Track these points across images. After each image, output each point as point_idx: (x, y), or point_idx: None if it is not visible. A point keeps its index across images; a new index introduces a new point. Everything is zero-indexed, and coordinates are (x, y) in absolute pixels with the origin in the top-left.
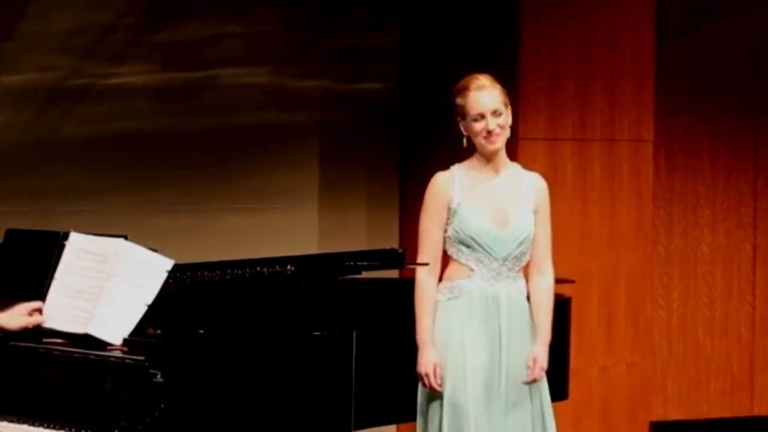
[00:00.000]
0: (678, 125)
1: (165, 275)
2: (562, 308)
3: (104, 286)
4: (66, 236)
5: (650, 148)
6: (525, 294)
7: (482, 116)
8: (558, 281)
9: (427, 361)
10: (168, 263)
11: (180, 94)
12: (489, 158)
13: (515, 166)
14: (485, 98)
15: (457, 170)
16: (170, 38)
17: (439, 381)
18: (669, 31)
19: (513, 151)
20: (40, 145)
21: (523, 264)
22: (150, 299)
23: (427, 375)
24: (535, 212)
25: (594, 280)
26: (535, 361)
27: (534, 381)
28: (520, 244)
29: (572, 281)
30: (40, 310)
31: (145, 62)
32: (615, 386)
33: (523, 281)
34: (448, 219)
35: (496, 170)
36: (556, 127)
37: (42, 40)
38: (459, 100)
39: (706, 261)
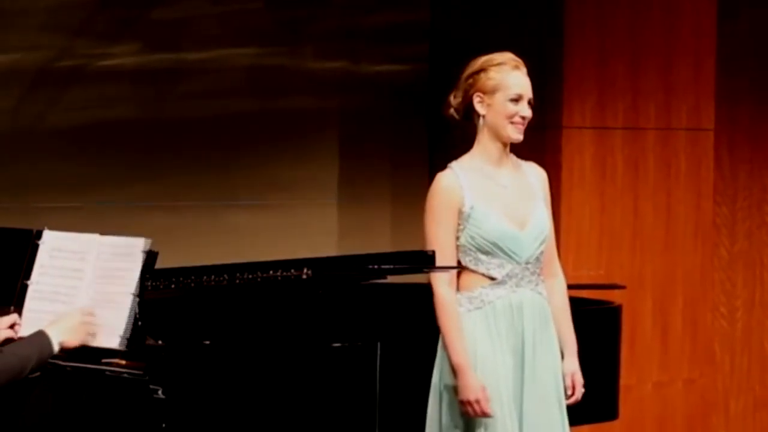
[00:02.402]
0: (742, 112)
1: (142, 257)
2: (612, 317)
3: (84, 286)
4: (39, 235)
5: (711, 137)
6: (546, 297)
7: (520, 98)
8: (608, 287)
9: (475, 386)
10: (142, 242)
11: (183, 77)
12: (499, 150)
13: (513, 157)
14: (526, 81)
15: (460, 168)
16: (172, 14)
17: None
18: (732, 6)
19: (557, 141)
20: (25, 134)
21: (542, 264)
22: (133, 288)
23: (477, 401)
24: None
25: (647, 286)
26: (573, 377)
27: (576, 401)
28: (541, 243)
29: (623, 287)
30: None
31: (143, 41)
32: (671, 405)
33: (543, 283)
34: (459, 225)
35: (502, 164)
36: (605, 115)
37: (26, 16)
38: (493, 74)
39: None
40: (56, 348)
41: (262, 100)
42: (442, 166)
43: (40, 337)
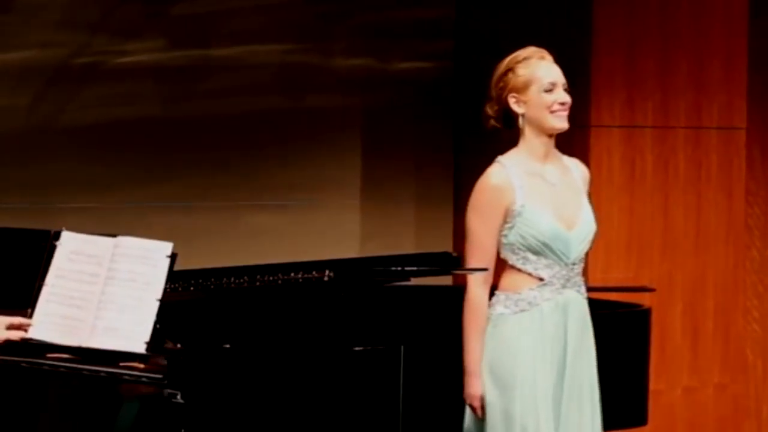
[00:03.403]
0: None
1: (167, 262)
2: (641, 321)
3: (103, 291)
4: (57, 236)
5: (743, 136)
6: (586, 296)
7: (554, 86)
8: (637, 290)
9: (476, 394)
10: (167, 247)
11: (202, 75)
12: (544, 145)
13: (557, 152)
14: (555, 68)
15: (510, 163)
16: (191, 10)
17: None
18: (764, 2)
19: (585, 140)
20: (40, 133)
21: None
22: (159, 293)
23: (474, 409)
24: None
25: (677, 289)
26: None
27: None
28: (588, 243)
29: (653, 290)
30: (18, 326)
31: (161, 38)
32: (701, 411)
33: (584, 284)
34: (506, 222)
35: (547, 160)
36: (634, 113)
37: (43, 12)
38: (521, 70)
39: None
40: None
41: (283, 99)
42: (469, 167)
43: None
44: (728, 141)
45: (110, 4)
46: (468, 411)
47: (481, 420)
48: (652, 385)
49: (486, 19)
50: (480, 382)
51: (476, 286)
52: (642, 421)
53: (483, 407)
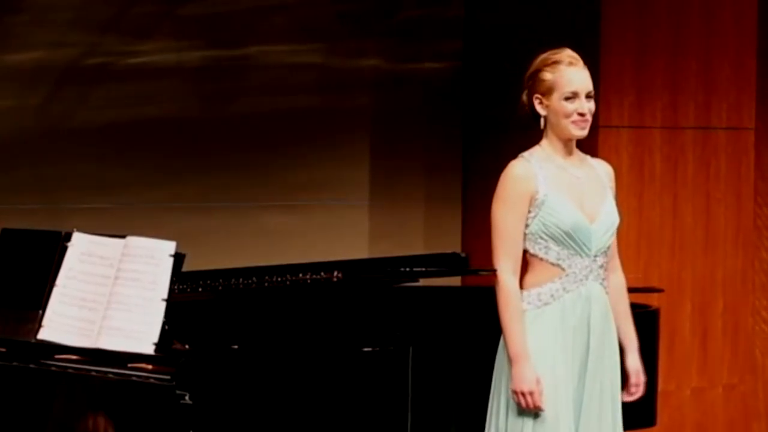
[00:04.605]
0: None
1: (170, 261)
2: (650, 321)
3: (111, 292)
4: (68, 237)
5: (752, 136)
6: (608, 292)
7: (576, 95)
8: (646, 290)
9: (530, 377)
10: (170, 246)
11: (212, 75)
12: (565, 144)
13: (579, 152)
14: (581, 76)
15: (532, 158)
16: (202, 10)
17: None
18: None
19: (593, 140)
20: (52, 133)
21: (608, 258)
22: (164, 293)
23: (531, 393)
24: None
25: (686, 290)
26: (639, 374)
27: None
28: (611, 236)
29: (661, 290)
30: None
31: (173, 38)
32: (710, 411)
33: (607, 278)
34: (529, 212)
35: (570, 157)
36: (643, 114)
37: (54, 12)
38: (546, 75)
39: None
40: None
41: (292, 100)
42: (478, 167)
43: None
44: (737, 141)
45: (122, 5)
46: (493, 407)
47: (523, 413)
48: (661, 386)
49: (495, 19)
50: (531, 365)
51: (506, 274)
52: (651, 421)
53: (540, 392)
